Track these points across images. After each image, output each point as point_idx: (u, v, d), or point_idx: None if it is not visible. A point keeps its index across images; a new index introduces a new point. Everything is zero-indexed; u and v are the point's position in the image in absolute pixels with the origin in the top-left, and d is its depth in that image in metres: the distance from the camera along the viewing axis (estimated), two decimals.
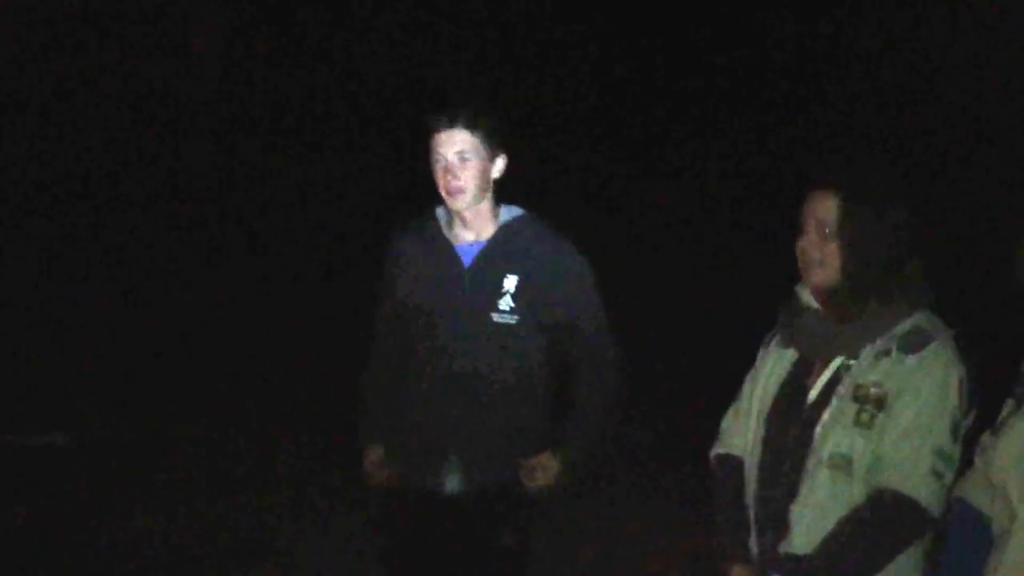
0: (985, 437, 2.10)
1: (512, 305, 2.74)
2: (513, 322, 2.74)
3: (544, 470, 2.80)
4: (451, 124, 2.68)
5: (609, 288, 2.85)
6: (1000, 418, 2.08)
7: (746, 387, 2.39)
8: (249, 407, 5.75)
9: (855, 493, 2.14)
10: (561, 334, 2.82)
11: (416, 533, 2.89)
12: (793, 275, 2.30)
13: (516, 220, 2.82)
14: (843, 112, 11.04)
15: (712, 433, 2.46)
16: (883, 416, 2.12)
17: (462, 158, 2.68)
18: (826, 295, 2.22)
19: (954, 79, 9.75)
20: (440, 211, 2.84)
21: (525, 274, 2.74)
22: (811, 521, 2.16)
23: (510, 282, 2.75)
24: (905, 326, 2.16)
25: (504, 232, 2.79)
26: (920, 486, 2.09)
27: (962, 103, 9.50)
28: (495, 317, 2.74)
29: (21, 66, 9.42)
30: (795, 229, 2.24)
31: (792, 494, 2.18)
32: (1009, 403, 2.07)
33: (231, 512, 4.60)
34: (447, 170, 2.69)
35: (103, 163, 9.61)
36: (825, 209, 2.19)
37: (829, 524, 2.15)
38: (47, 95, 9.53)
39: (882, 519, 2.11)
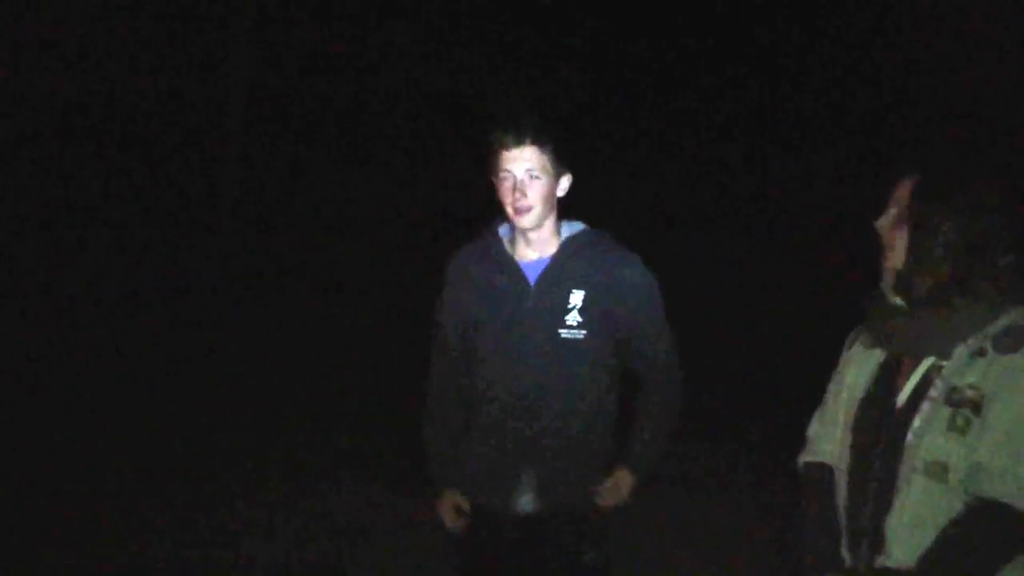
0: None
1: (580, 320, 2.70)
2: (581, 337, 2.70)
3: (621, 488, 2.79)
4: (521, 141, 2.63)
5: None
6: None
7: (831, 390, 2.30)
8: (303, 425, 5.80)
9: (952, 502, 2.04)
10: (627, 347, 2.79)
11: (494, 556, 2.85)
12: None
13: (579, 235, 2.78)
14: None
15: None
16: (979, 421, 2.01)
17: (531, 176, 2.64)
18: (902, 285, 2.14)
19: None
20: (503, 229, 2.80)
21: (591, 289, 2.71)
22: (908, 533, 2.06)
23: (576, 297, 2.71)
24: (1000, 323, 2.05)
25: (567, 248, 2.75)
26: (1022, 495, 1.97)
27: None
28: (563, 333, 2.70)
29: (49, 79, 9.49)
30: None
31: (885, 503, 2.09)
32: None
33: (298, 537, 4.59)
34: (516, 188, 2.64)
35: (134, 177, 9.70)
36: (902, 193, 2.13)
37: (927, 535, 2.05)
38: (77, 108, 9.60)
39: (984, 531, 2.00)
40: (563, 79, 12.19)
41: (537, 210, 2.67)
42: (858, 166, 10.50)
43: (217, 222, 9.70)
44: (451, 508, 2.87)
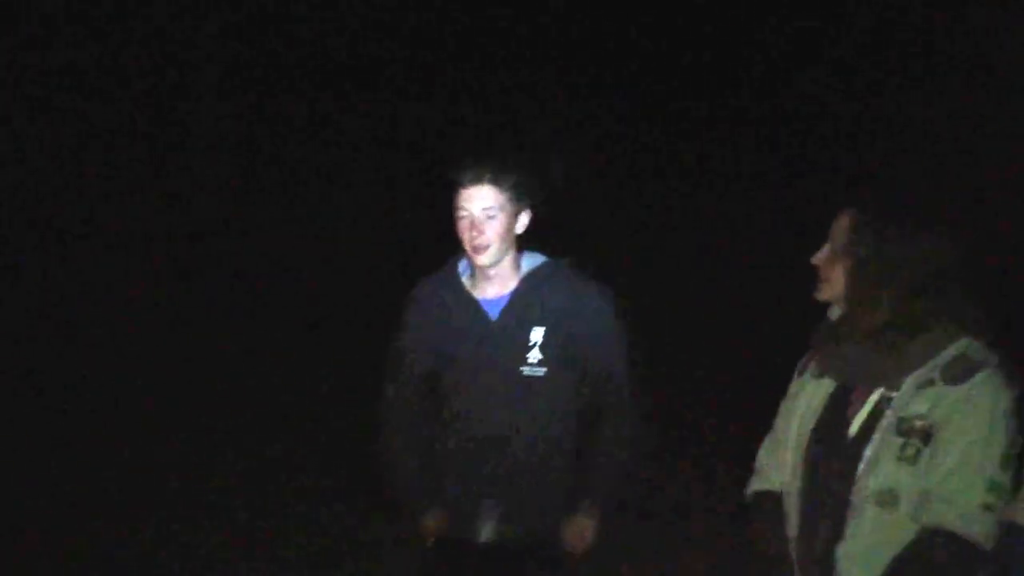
0: None
1: (541, 357, 2.71)
2: (542, 374, 2.71)
3: (583, 533, 2.79)
4: (478, 180, 2.63)
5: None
6: None
7: (780, 418, 2.32)
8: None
9: (903, 530, 2.07)
10: (589, 381, 2.79)
11: None
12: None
13: (539, 269, 2.78)
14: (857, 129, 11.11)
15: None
16: (929, 450, 2.05)
17: (488, 215, 2.63)
18: (848, 321, 2.17)
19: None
20: (461, 265, 2.80)
21: (552, 325, 2.71)
22: (859, 561, 2.09)
23: (537, 334, 2.72)
24: (948, 354, 2.08)
25: (527, 283, 2.75)
26: (972, 522, 2.01)
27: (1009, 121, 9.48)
28: (525, 371, 2.71)
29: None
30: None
31: (837, 532, 2.11)
32: None
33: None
34: (473, 226, 2.64)
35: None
36: (840, 228, 2.17)
37: (878, 563, 2.07)
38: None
39: (936, 559, 2.03)
40: (538, 107, 12.13)
41: (494, 249, 2.67)
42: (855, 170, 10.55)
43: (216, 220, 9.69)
44: (434, 526, 2.87)
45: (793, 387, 2.32)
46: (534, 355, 2.71)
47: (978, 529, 2.02)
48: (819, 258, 2.21)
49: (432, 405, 2.84)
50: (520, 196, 2.69)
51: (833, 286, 2.19)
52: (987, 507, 2.02)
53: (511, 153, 2.75)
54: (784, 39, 11.97)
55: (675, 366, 6.69)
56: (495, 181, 2.64)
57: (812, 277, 2.23)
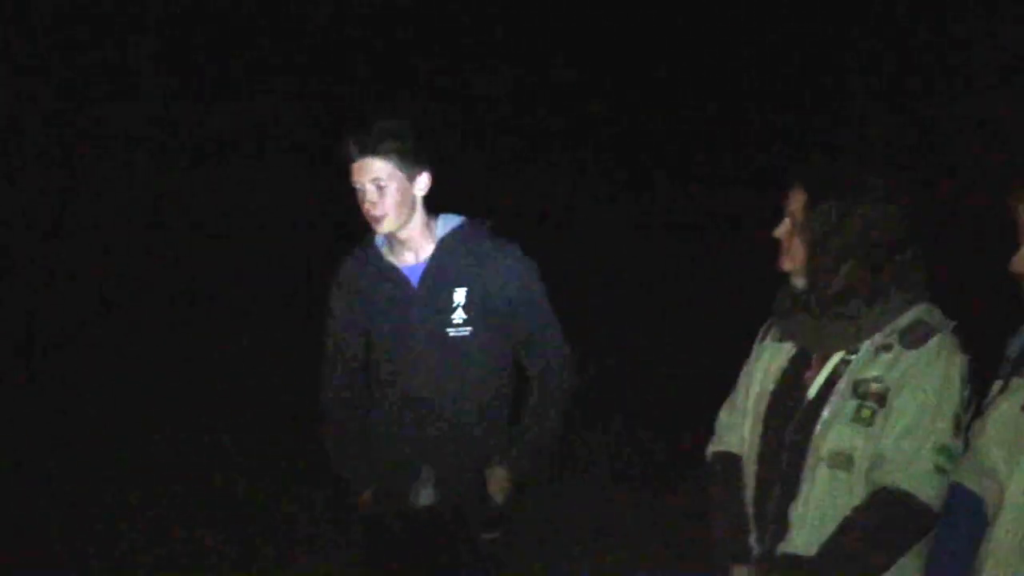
0: (976, 420, 2.07)
1: (465, 317, 2.75)
2: (467, 334, 2.75)
3: (499, 488, 2.82)
4: (362, 153, 2.66)
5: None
6: (988, 399, 2.06)
7: (741, 382, 2.36)
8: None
9: (855, 491, 2.10)
10: (515, 338, 2.82)
11: (397, 545, 2.89)
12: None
13: (455, 231, 2.81)
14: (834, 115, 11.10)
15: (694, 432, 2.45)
16: (884, 412, 2.08)
17: (378, 185, 2.66)
18: (808, 290, 2.21)
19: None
20: (379, 238, 2.83)
21: (472, 284, 2.75)
22: (811, 521, 2.12)
23: (459, 295, 2.75)
24: (905, 319, 2.13)
25: (444, 246, 2.78)
26: (924, 484, 2.05)
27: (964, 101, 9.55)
28: (451, 332, 2.75)
29: None
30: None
31: (791, 493, 2.14)
32: (996, 384, 2.06)
33: None
34: (366, 199, 2.68)
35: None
36: (795, 203, 2.20)
37: (829, 523, 2.10)
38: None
39: (886, 519, 2.06)
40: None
41: (391, 217, 2.69)
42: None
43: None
44: (373, 501, 2.90)
45: (754, 352, 2.36)
46: (458, 316, 2.76)
47: (929, 491, 2.05)
48: (779, 233, 2.25)
49: (366, 378, 2.90)
50: (412, 160, 2.70)
51: (794, 258, 2.22)
52: (938, 469, 2.06)
53: (392, 120, 2.72)
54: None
55: (635, 331, 6.81)
56: (377, 151, 2.66)
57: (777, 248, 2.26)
